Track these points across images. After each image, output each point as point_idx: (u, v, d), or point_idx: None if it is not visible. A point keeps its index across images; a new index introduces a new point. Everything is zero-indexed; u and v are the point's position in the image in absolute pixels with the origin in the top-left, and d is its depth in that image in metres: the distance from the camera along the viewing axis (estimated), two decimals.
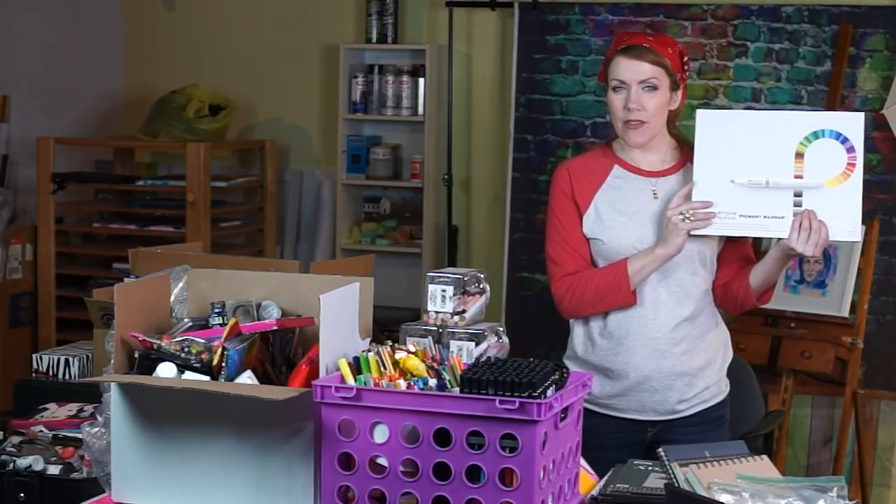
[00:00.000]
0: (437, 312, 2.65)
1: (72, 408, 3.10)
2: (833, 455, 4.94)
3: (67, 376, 3.48)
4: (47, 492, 2.77)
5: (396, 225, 5.75)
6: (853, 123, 2.96)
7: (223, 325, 2.50)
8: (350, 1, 5.79)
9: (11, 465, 2.81)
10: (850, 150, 2.94)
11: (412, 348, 2.40)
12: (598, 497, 2.50)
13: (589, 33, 5.23)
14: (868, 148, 2.98)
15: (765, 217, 2.98)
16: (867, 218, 3.97)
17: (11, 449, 2.87)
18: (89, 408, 3.03)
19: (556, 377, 2.27)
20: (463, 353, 2.58)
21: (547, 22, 5.27)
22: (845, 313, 4.58)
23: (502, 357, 2.51)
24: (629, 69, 3.02)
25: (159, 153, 6.11)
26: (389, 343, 2.41)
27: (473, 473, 2.22)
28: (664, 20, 5.12)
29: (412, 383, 2.30)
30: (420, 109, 5.58)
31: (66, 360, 3.48)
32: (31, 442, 2.90)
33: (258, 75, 5.95)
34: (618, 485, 2.53)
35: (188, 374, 2.41)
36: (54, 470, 2.80)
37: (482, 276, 2.74)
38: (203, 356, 2.41)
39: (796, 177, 2.96)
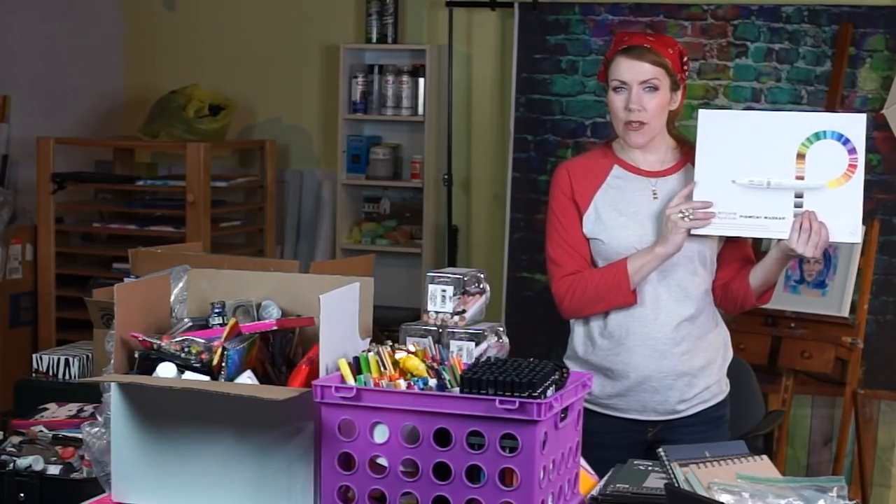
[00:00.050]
0: (437, 312, 2.65)
1: (72, 408, 3.10)
2: (833, 455, 4.94)
3: (67, 376, 3.48)
4: (47, 492, 2.77)
5: (396, 225, 5.75)
6: (855, 125, 2.96)
7: (223, 325, 2.50)
8: (350, 1, 5.79)
9: (11, 465, 2.82)
10: (852, 151, 2.94)
11: (412, 348, 2.40)
12: (598, 497, 2.50)
13: (589, 33, 5.23)
14: (868, 148, 2.97)
15: (765, 217, 2.98)
16: (867, 218, 3.97)
17: (11, 449, 2.87)
18: (89, 408, 3.03)
19: (556, 377, 2.27)
20: (463, 353, 2.58)
21: (547, 22, 5.27)
22: (845, 313, 4.58)
23: (502, 357, 2.51)
24: (630, 70, 3.02)
25: (159, 153, 6.11)
26: (389, 343, 2.41)
27: (473, 473, 2.22)
28: (664, 20, 5.12)
29: (412, 383, 2.30)
30: (420, 109, 5.58)
31: (66, 360, 3.48)
32: (31, 442, 2.90)
33: (258, 75, 5.95)
34: (618, 485, 2.53)
35: (188, 374, 2.41)
36: (54, 470, 2.80)
37: (482, 276, 2.74)
38: (203, 356, 2.41)
39: (797, 178, 2.96)
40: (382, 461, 2.27)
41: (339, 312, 2.42)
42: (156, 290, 2.61)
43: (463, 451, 2.21)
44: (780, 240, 3.00)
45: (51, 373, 3.49)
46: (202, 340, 2.43)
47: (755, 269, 3.08)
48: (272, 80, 5.94)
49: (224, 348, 2.40)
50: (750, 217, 2.98)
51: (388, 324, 3.33)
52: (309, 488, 2.35)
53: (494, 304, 3.64)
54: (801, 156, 2.96)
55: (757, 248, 3.91)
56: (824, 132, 2.95)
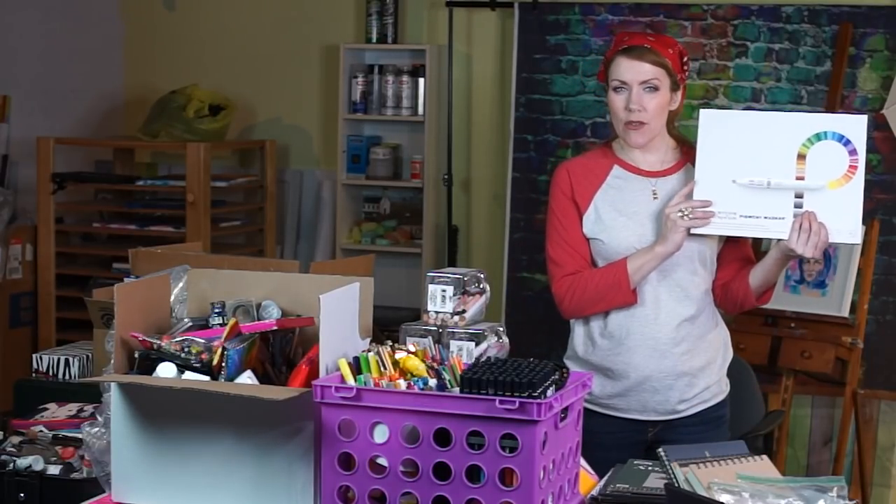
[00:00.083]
0: (437, 312, 2.65)
1: (72, 408, 3.10)
2: (833, 455, 4.94)
3: (67, 376, 3.48)
4: (47, 492, 2.77)
5: (396, 225, 5.75)
6: (856, 126, 2.96)
7: (223, 325, 2.50)
8: (350, 1, 5.79)
9: (11, 465, 2.82)
10: (853, 152, 2.94)
11: (412, 348, 2.40)
12: (598, 497, 2.50)
13: (589, 33, 5.23)
14: (868, 148, 2.97)
15: (765, 218, 2.98)
16: (867, 218, 3.97)
17: (11, 449, 2.87)
18: (89, 408, 3.03)
19: (556, 377, 2.27)
20: (463, 353, 2.58)
21: (547, 22, 5.27)
22: (845, 313, 4.58)
23: (502, 357, 2.51)
24: (630, 70, 3.02)
25: (159, 153, 6.11)
26: (389, 343, 2.41)
27: (473, 473, 2.22)
28: (664, 20, 5.12)
29: (412, 383, 2.29)
30: (420, 109, 5.58)
31: (66, 360, 3.48)
32: (31, 442, 2.90)
33: (258, 75, 5.95)
34: (618, 485, 2.53)
35: (188, 374, 2.41)
36: (54, 470, 2.80)
37: (482, 276, 2.74)
38: (203, 356, 2.41)
39: (798, 178, 2.96)
40: (382, 461, 2.27)
41: (339, 312, 2.42)
42: (156, 290, 2.61)
43: (463, 451, 2.21)
44: (779, 240, 3.00)
45: (51, 373, 3.49)
46: (202, 340, 2.43)
47: (755, 269, 3.08)
48: (272, 80, 5.94)
49: (224, 348, 2.40)
50: (750, 217, 2.98)
51: (388, 324, 3.33)
52: (309, 488, 2.35)
53: (494, 304, 3.64)
54: (801, 156, 2.96)
55: (757, 248, 3.91)
56: (825, 133, 2.95)
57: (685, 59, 3.11)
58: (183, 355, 2.42)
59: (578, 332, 3.17)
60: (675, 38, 3.22)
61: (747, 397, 3.99)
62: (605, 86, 3.09)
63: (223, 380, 2.39)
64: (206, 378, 2.39)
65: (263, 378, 2.47)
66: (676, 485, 2.45)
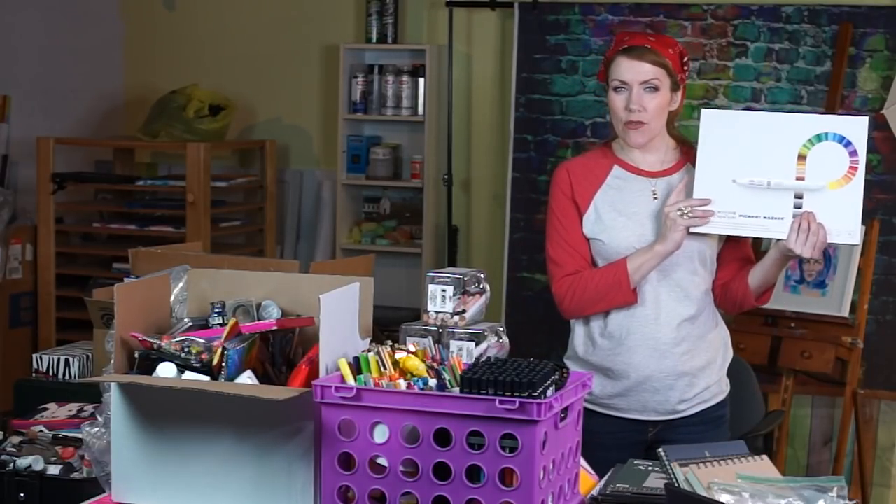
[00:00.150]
0: (437, 312, 2.65)
1: (72, 408, 3.10)
2: (833, 455, 4.94)
3: (67, 376, 3.48)
4: (47, 492, 2.77)
5: (396, 225, 5.75)
6: (857, 127, 2.96)
7: (223, 325, 2.50)
8: (350, 1, 5.79)
9: (11, 465, 2.82)
10: (853, 153, 2.94)
11: (412, 348, 2.40)
12: (598, 497, 2.50)
13: (589, 33, 5.23)
14: (868, 148, 2.97)
15: (764, 217, 2.98)
16: (867, 218, 3.97)
17: (11, 449, 2.87)
18: (89, 408, 3.03)
19: (556, 377, 2.27)
20: (463, 353, 2.58)
21: (547, 22, 5.27)
22: (845, 313, 4.58)
23: (502, 357, 2.51)
24: (630, 70, 3.02)
25: (159, 153, 6.11)
26: (389, 343, 2.41)
27: (473, 473, 2.22)
28: (664, 20, 5.12)
29: (412, 383, 2.30)
30: (420, 109, 5.58)
31: (66, 360, 3.48)
32: (31, 442, 2.90)
33: (258, 75, 5.95)
34: (618, 485, 2.53)
35: (188, 374, 2.41)
36: (54, 470, 2.80)
37: (482, 276, 2.74)
38: (203, 356, 2.41)
39: (798, 178, 2.96)
40: (382, 461, 2.27)
41: (339, 312, 2.42)
42: (156, 290, 2.61)
43: (463, 451, 2.21)
44: (779, 240, 3.00)
45: (51, 373, 3.49)
46: (202, 340, 2.43)
47: (754, 269, 3.09)
48: (272, 80, 5.94)
49: (224, 348, 2.40)
50: (749, 217, 2.98)
51: (388, 324, 3.33)
52: (309, 488, 2.35)
53: (494, 304, 3.64)
54: (802, 157, 2.96)
55: (757, 248, 3.91)
56: (826, 134, 2.95)
57: (685, 59, 3.11)
58: (183, 355, 2.42)
59: (578, 332, 3.17)
60: (675, 39, 3.22)
61: (747, 397, 3.99)
62: (605, 86, 3.09)
63: (223, 380, 2.39)
64: (206, 378, 2.39)
65: (263, 378, 2.47)
66: (676, 485, 2.45)
